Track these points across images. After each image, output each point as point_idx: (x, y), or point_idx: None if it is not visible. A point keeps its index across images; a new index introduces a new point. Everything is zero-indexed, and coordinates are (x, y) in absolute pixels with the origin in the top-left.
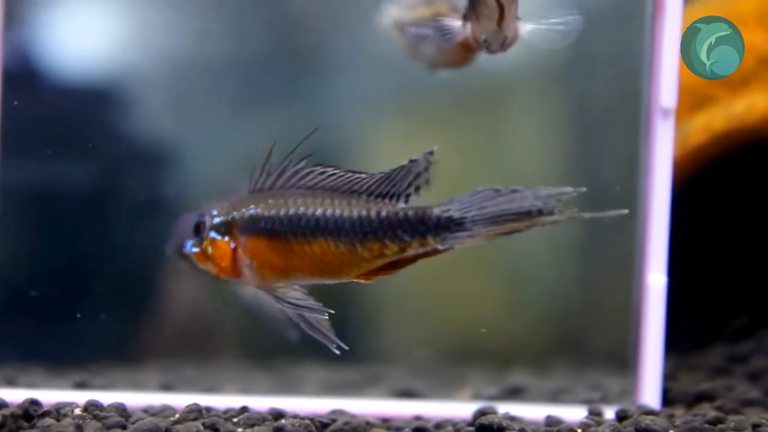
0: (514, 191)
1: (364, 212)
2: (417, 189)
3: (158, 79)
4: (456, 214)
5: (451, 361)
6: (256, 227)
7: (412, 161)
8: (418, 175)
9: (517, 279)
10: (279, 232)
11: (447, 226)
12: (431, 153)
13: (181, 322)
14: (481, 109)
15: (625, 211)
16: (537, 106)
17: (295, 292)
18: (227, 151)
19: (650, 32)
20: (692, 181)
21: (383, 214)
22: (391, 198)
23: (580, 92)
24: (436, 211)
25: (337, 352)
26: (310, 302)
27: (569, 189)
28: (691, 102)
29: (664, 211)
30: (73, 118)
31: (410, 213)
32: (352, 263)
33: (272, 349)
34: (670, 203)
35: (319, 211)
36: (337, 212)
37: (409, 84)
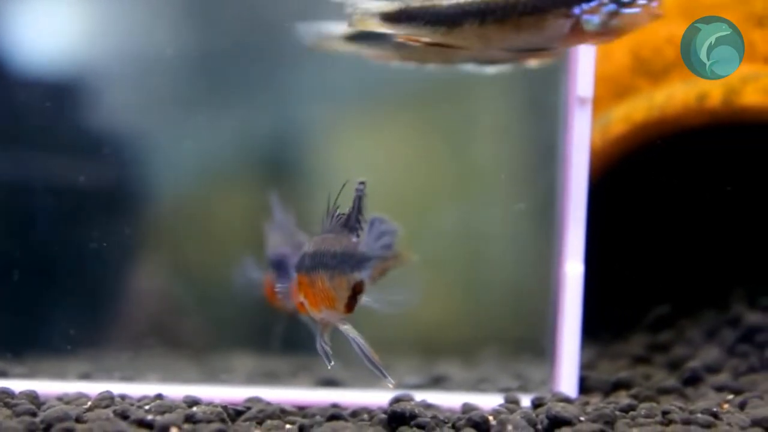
0: (382, 222)
1: (338, 248)
2: (360, 222)
3: (116, 72)
4: (365, 250)
5: (379, 352)
6: (299, 266)
7: (357, 193)
8: (361, 208)
9: (446, 269)
10: (307, 269)
11: (364, 261)
12: (363, 183)
13: (112, 312)
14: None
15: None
16: (456, 97)
17: (346, 326)
18: (190, 145)
19: None
20: (613, 171)
21: (344, 248)
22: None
23: (499, 82)
24: (360, 247)
25: (390, 385)
26: (359, 338)
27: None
28: (613, 92)
29: (581, 200)
30: (32, 110)
31: (352, 247)
32: (335, 297)
33: (203, 340)
34: (587, 192)
35: (323, 247)
36: (326, 248)
37: (373, 77)
